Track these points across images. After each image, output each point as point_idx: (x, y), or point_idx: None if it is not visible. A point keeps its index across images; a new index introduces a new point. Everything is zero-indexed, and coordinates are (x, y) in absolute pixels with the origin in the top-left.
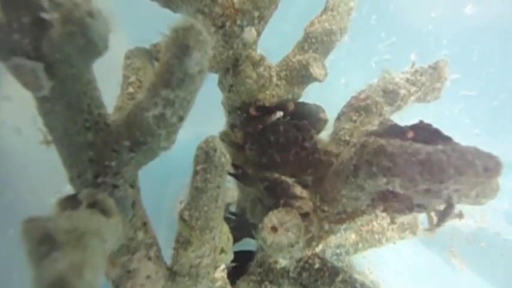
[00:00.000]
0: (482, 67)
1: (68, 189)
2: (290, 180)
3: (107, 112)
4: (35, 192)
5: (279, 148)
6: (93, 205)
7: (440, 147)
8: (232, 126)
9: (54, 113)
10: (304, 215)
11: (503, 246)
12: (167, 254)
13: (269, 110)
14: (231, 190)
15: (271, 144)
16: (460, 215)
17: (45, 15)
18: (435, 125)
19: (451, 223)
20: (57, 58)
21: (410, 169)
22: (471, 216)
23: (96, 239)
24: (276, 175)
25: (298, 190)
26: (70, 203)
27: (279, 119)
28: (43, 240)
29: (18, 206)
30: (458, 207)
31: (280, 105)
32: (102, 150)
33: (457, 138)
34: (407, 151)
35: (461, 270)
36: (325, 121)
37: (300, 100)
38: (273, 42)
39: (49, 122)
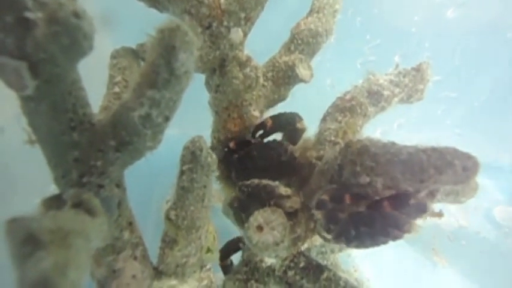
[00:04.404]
0: (463, 69)
1: (53, 189)
2: (272, 183)
3: (93, 112)
4: (19, 192)
5: (259, 171)
6: (78, 205)
7: (421, 147)
8: None
9: (39, 113)
10: (292, 214)
11: (482, 244)
12: (155, 254)
13: (248, 143)
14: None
15: (251, 170)
16: (440, 214)
17: (29, 15)
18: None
19: (433, 222)
20: (41, 58)
21: (393, 168)
22: (452, 215)
23: (81, 239)
24: (256, 180)
25: (283, 190)
26: (55, 202)
27: (252, 144)
28: (27, 240)
29: (1, 206)
30: (439, 206)
31: (260, 126)
32: (87, 150)
33: (439, 139)
34: (390, 151)
35: (443, 268)
36: (303, 130)
37: (282, 104)
38: (260, 43)
39: (33, 122)
